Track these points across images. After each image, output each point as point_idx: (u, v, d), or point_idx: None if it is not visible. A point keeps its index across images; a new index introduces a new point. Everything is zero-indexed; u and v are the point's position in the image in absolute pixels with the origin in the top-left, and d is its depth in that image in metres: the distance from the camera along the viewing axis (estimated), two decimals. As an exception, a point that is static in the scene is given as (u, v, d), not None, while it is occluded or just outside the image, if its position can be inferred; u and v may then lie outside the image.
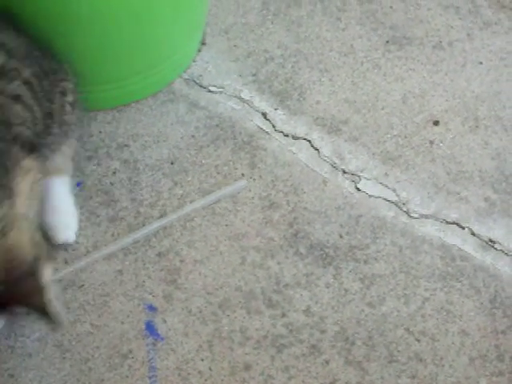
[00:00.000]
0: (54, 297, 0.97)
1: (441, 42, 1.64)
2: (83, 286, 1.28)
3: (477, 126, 1.51)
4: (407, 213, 1.40)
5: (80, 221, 1.34)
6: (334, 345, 1.24)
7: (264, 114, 1.51)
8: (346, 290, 1.32)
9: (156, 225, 1.32)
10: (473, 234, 1.38)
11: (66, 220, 1.30)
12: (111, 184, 1.39)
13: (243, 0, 1.70)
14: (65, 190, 1.30)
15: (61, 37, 1.26)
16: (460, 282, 1.32)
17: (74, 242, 1.31)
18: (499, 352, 1.25)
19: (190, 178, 1.41)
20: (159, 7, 1.35)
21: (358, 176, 1.44)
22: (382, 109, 1.54)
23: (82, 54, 1.34)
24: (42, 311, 0.96)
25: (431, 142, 1.48)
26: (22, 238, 0.98)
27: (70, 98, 1.21)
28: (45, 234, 1.12)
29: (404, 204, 1.41)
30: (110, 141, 1.44)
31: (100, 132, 1.46)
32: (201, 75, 1.56)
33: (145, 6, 1.31)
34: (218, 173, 1.42)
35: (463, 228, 1.39)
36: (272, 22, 1.66)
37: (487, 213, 1.40)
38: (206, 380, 1.20)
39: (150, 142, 1.45)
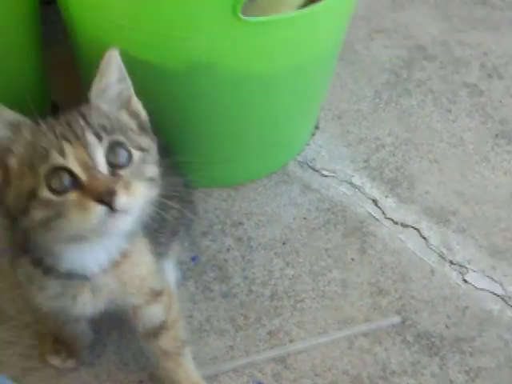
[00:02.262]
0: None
1: (551, 138, 1.67)
2: (194, 358, 1.32)
3: None
4: (514, 307, 1.42)
5: (194, 294, 1.39)
6: None
7: (374, 201, 1.55)
8: (451, 381, 1.33)
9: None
10: None
11: None
12: (225, 260, 1.44)
13: (356, 88, 1.76)
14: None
15: (188, 122, 1.34)
16: None
17: (188, 316, 1.36)
18: None
19: (301, 260, 1.45)
20: (280, 100, 1.42)
21: (466, 267, 1.46)
22: (490, 202, 1.56)
23: (207, 136, 1.42)
24: None
25: (539, 238, 1.50)
26: None
27: None
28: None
29: (510, 298, 1.43)
30: (225, 218, 1.50)
31: (215, 209, 1.52)
32: (314, 158, 1.62)
33: (267, 100, 1.39)
34: (329, 256, 1.46)
35: None
36: (384, 111, 1.72)
37: None
38: None
39: (263, 222, 1.51)
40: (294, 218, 1.51)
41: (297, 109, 1.50)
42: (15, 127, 0.88)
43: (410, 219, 1.52)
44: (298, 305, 1.39)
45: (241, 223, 1.50)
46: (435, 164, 1.62)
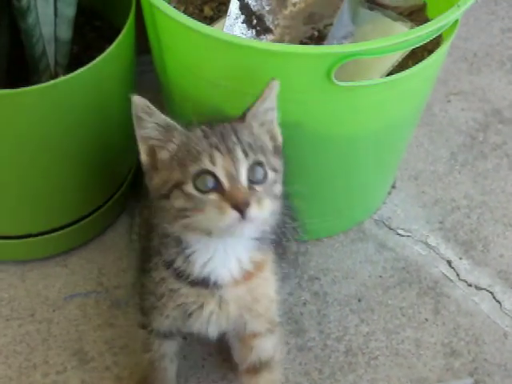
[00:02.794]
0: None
1: None
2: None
3: None
4: None
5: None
6: None
7: (449, 262, 1.58)
8: None
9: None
10: None
11: None
12: (301, 314, 1.48)
13: (433, 149, 1.80)
14: None
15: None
16: None
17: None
18: None
19: (375, 317, 1.48)
20: (360, 162, 1.47)
21: (539, 333, 1.48)
22: None
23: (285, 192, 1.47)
24: None
25: None
26: None
27: None
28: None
29: None
30: (302, 272, 1.54)
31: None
32: (390, 217, 1.65)
33: (345, 161, 1.44)
34: (403, 315, 1.49)
35: None
36: (459, 172, 1.75)
37: None
38: None
39: (339, 278, 1.55)
40: (370, 276, 1.55)
41: (375, 170, 1.54)
42: (167, 129, 1.02)
43: (483, 282, 1.55)
44: (372, 362, 1.42)
45: (317, 278, 1.54)
46: (510, 227, 1.64)
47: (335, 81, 1.20)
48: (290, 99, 1.23)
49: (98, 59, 1.31)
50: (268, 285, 1.16)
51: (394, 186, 1.70)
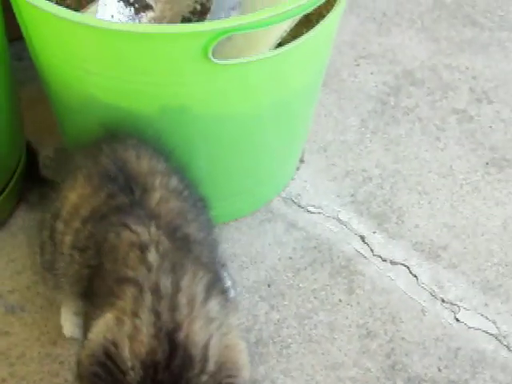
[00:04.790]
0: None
1: (543, 165, 1.62)
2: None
3: None
4: (507, 347, 1.37)
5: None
6: None
7: (362, 237, 1.50)
8: (444, 422, 1.28)
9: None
10: None
11: None
12: (208, 305, 1.39)
13: (342, 117, 1.72)
14: None
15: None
16: None
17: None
18: None
19: (286, 302, 1.40)
20: (262, 137, 1.38)
21: (457, 306, 1.41)
22: (482, 235, 1.52)
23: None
24: None
25: (533, 272, 1.45)
26: None
27: None
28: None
29: (504, 337, 1.38)
30: (208, 259, 1.45)
31: (198, 250, 1.47)
32: (299, 194, 1.57)
33: (247, 138, 1.36)
34: (316, 298, 1.41)
35: None
36: (370, 141, 1.67)
37: None
38: None
39: (247, 263, 1.46)
40: (279, 259, 1.47)
41: (280, 144, 1.46)
42: None
43: (399, 256, 1.48)
44: (284, 351, 1.34)
45: (224, 265, 1.45)
46: (424, 196, 1.57)
47: (214, 59, 1.09)
48: (170, 83, 1.15)
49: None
50: None
51: (302, 160, 1.61)
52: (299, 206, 1.55)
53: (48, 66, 1.27)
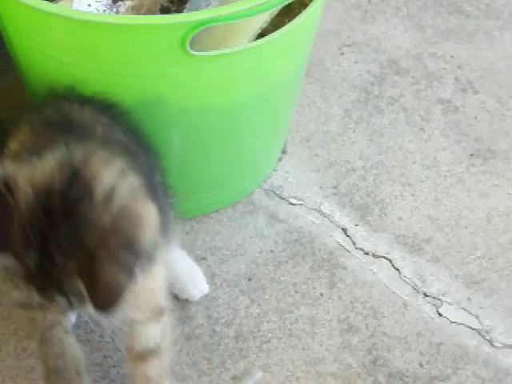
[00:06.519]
0: None
1: (527, 157, 1.60)
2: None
3: None
4: (490, 342, 1.35)
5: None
6: None
7: (344, 230, 1.48)
8: (425, 425, 1.27)
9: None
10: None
11: (194, 277, 1.35)
12: (187, 299, 1.37)
13: (325, 107, 1.69)
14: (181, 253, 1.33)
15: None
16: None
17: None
18: None
19: (267, 297, 1.39)
20: (243, 129, 1.36)
21: (440, 300, 1.40)
22: (466, 227, 1.50)
23: (167, 168, 1.34)
24: None
25: (517, 266, 1.44)
26: None
27: None
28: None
29: (487, 332, 1.36)
30: (188, 252, 1.42)
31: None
32: (281, 186, 1.55)
33: (228, 130, 1.33)
34: (297, 292, 1.39)
35: (551, 362, 1.33)
36: (354, 131, 1.65)
37: None
38: None
39: (227, 256, 1.44)
40: (260, 252, 1.44)
41: (262, 135, 1.43)
42: None
43: (381, 249, 1.46)
44: (264, 346, 1.33)
45: (204, 258, 1.44)
46: (408, 188, 1.55)
47: (192, 51, 1.07)
48: (147, 74, 1.12)
49: None
50: (154, 278, 1.05)
51: (284, 151, 1.59)
52: (281, 197, 1.52)
53: (23, 57, 1.24)
